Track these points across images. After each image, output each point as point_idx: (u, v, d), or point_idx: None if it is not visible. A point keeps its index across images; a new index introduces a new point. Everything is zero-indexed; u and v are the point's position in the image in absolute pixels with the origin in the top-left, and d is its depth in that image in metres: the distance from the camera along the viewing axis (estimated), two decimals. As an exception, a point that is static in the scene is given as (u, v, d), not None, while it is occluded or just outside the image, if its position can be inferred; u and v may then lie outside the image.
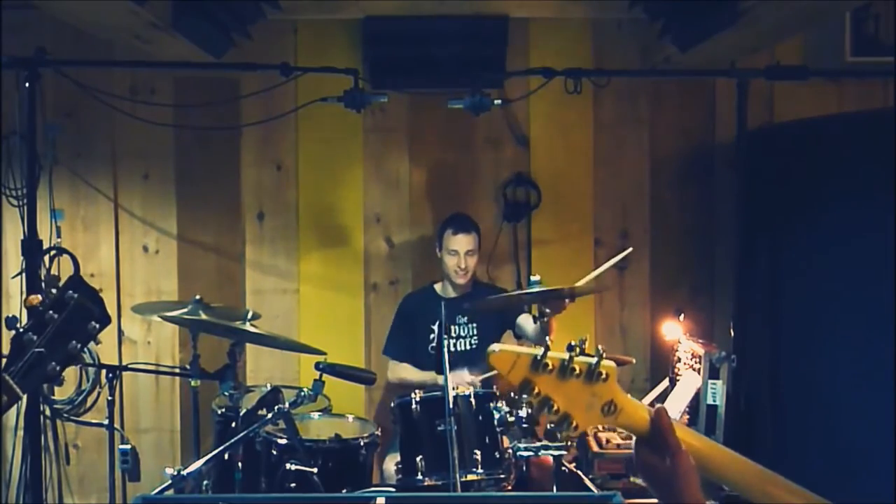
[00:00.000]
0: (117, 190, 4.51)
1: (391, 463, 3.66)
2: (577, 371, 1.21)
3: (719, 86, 4.47)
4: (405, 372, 4.14)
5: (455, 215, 4.19)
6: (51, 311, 1.59)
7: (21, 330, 1.58)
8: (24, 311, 1.65)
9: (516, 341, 4.22)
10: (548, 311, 3.50)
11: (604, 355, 1.23)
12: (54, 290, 1.63)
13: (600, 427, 3.63)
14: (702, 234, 4.56)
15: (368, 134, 4.53)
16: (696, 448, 1.27)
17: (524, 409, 1.24)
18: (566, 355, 1.21)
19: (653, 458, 1.26)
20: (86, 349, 4.35)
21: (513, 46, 4.32)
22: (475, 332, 4.10)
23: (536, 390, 1.20)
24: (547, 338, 3.79)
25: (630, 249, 3.82)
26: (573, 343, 1.21)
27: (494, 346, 1.20)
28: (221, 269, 4.55)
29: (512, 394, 1.21)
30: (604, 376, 1.22)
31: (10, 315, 1.58)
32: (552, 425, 1.22)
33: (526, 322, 4.00)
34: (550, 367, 1.20)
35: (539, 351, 1.21)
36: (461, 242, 4.03)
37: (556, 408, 1.21)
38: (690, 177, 4.58)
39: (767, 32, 3.75)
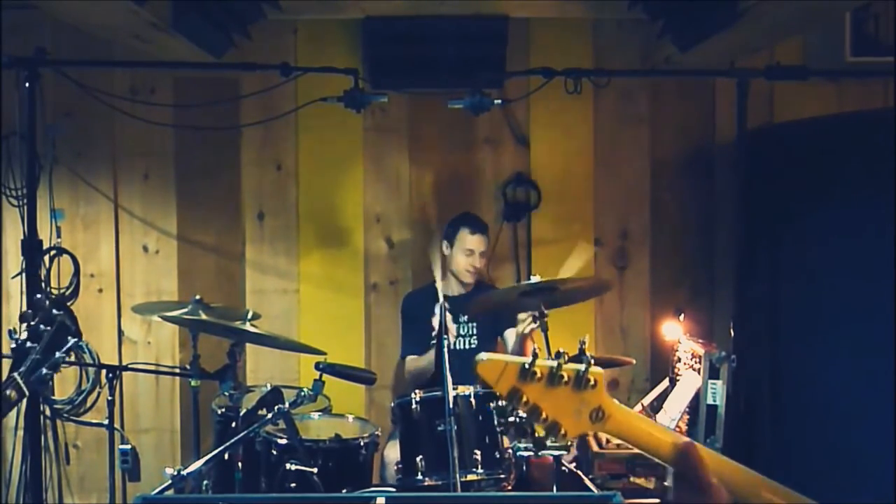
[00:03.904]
0: (117, 190, 4.51)
1: (391, 451, 3.67)
2: (566, 378, 1.20)
3: (719, 86, 4.47)
4: (413, 362, 4.16)
5: (469, 214, 4.20)
6: (42, 326, 1.90)
7: (21, 340, 1.90)
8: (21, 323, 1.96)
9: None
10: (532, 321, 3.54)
11: (591, 362, 1.22)
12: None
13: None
14: (702, 234, 4.56)
15: (368, 134, 4.53)
16: (725, 474, 1.25)
17: (512, 417, 1.23)
18: (554, 363, 1.20)
19: (688, 496, 1.23)
20: (88, 350, 4.40)
21: (513, 46, 4.32)
22: (475, 332, 4.11)
23: (525, 399, 1.19)
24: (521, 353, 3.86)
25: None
26: (560, 350, 1.21)
27: (482, 355, 1.19)
28: (221, 269, 4.55)
29: (500, 402, 1.21)
30: (592, 383, 1.21)
31: (10, 328, 1.94)
32: (542, 433, 1.22)
33: (509, 336, 4.09)
34: (539, 375, 1.19)
35: (527, 359, 1.19)
36: (477, 242, 4.07)
37: (544, 416, 1.20)
38: (690, 177, 4.57)
39: (767, 32, 3.75)
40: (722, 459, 1.28)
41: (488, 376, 1.18)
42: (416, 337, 4.20)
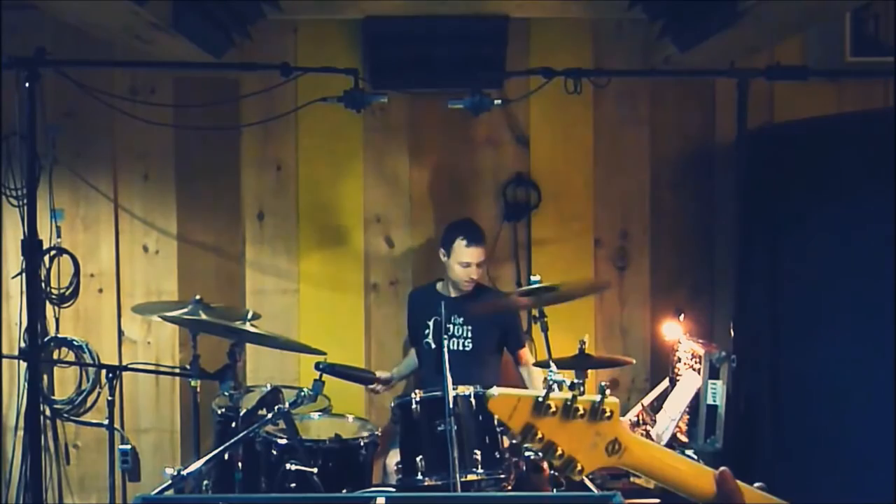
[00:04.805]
0: (117, 190, 4.51)
1: (392, 460, 3.67)
2: (581, 411, 1.15)
3: (719, 86, 4.47)
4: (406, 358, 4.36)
5: (466, 223, 4.12)
6: None
7: None
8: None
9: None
10: None
11: (607, 393, 1.17)
12: None
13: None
14: (702, 234, 4.56)
15: (368, 134, 4.53)
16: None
17: (527, 453, 1.20)
18: (569, 395, 1.15)
19: None
20: (88, 350, 4.40)
21: (513, 46, 4.32)
22: (469, 335, 4.08)
23: (539, 435, 1.14)
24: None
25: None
26: (575, 382, 1.18)
27: (493, 390, 1.14)
28: (221, 269, 4.55)
29: (513, 441, 1.17)
30: (608, 414, 1.17)
31: None
32: (555, 471, 1.18)
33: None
34: (553, 408, 1.14)
35: (540, 393, 1.14)
36: (474, 255, 4.00)
37: (559, 452, 1.15)
38: (690, 177, 4.57)
39: (767, 32, 3.75)
40: (749, 490, 1.23)
41: (500, 413, 1.13)
42: (412, 330, 4.32)
